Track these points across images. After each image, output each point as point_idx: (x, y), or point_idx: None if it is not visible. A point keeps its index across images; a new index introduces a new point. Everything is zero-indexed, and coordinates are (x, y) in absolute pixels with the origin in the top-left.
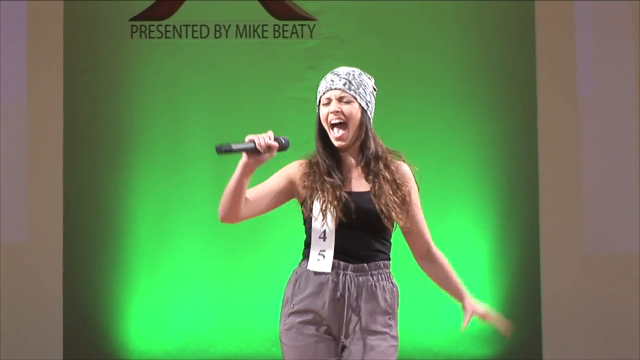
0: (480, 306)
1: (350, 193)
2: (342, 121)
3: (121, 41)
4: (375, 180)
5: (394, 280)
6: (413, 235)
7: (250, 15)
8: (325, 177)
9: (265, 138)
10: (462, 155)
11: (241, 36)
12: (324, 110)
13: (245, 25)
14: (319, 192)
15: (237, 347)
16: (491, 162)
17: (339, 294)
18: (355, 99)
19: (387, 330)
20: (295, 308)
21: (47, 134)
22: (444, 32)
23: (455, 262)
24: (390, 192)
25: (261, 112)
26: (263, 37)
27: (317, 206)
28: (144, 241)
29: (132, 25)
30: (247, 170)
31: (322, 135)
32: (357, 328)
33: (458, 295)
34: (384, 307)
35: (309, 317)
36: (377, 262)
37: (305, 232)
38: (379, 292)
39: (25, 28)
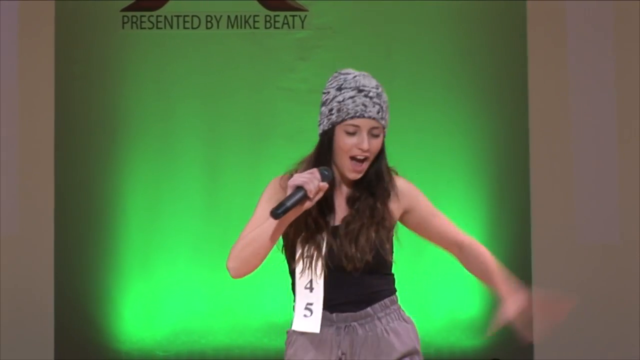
0: (513, 313)
1: (337, 227)
2: (366, 158)
3: (113, 32)
4: (353, 212)
5: (407, 315)
6: (436, 241)
7: (241, 6)
8: (312, 212)
9: (315, 182)
10: (454, 147)
11: (232, 27)
12: (346, 140)
13: (236, 16)
14: (303, 232)
15: (227, 337)
16: (482, 153)
17: (340, 352)
18: (384, 129)
19: None
20: None
21: (39, 125)
22: (436, 26)
23: (444, 253)
24: (360, 225)
25: (252, 102)
26: (254, 27)
27: (300, 249)
28: (135, 232)
29: (123, 16)
30: (288, 221)
31: (327, 158)
32: None
33: (500, 294)
34: (402, 351)
35: None
36: (383, 302)
37: (289, 273)
38: (392, 338)
39: (17, 18)
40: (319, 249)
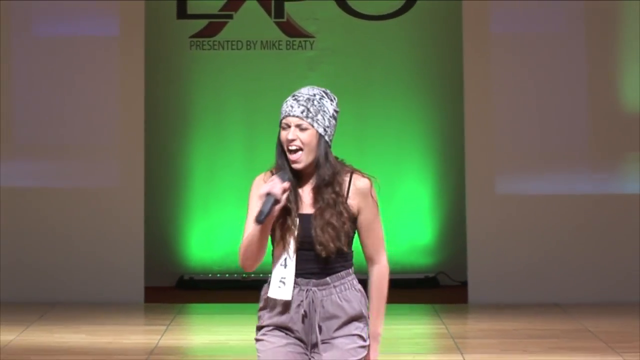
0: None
1: (301, 215)
2: (298, 148)
3: (183, 52)
4: (321, 204)
5: (359, 286)
6: (363, 243)
7: (270, 34)
8: (284, 202)
9: (277, 186)
10: (413, 129)
11: (264, 48)
12: (283, 134)
13: (267, 41)
14: (280, 219)
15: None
16: (432, 133)
17: (303, 310)
18: (312, 125)
19: (355, 332)
20: (265, 323)
21: (133, 116)
22: (399, 41)
23: (407, 199)
24: (330, 217)
25: (277, 100)
26: (279, 49)
27: (277, 233)
28: (198, 186)
29: (190, 41)
30: (271, 221)
31: (283, 153)
32: (326, 339)
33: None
34: (352, 315)
35: (278, 330)
36: (339, 273)
37: (271, 254)
38: (344, 304)
39: (118, 41)
40: (292, 233)
